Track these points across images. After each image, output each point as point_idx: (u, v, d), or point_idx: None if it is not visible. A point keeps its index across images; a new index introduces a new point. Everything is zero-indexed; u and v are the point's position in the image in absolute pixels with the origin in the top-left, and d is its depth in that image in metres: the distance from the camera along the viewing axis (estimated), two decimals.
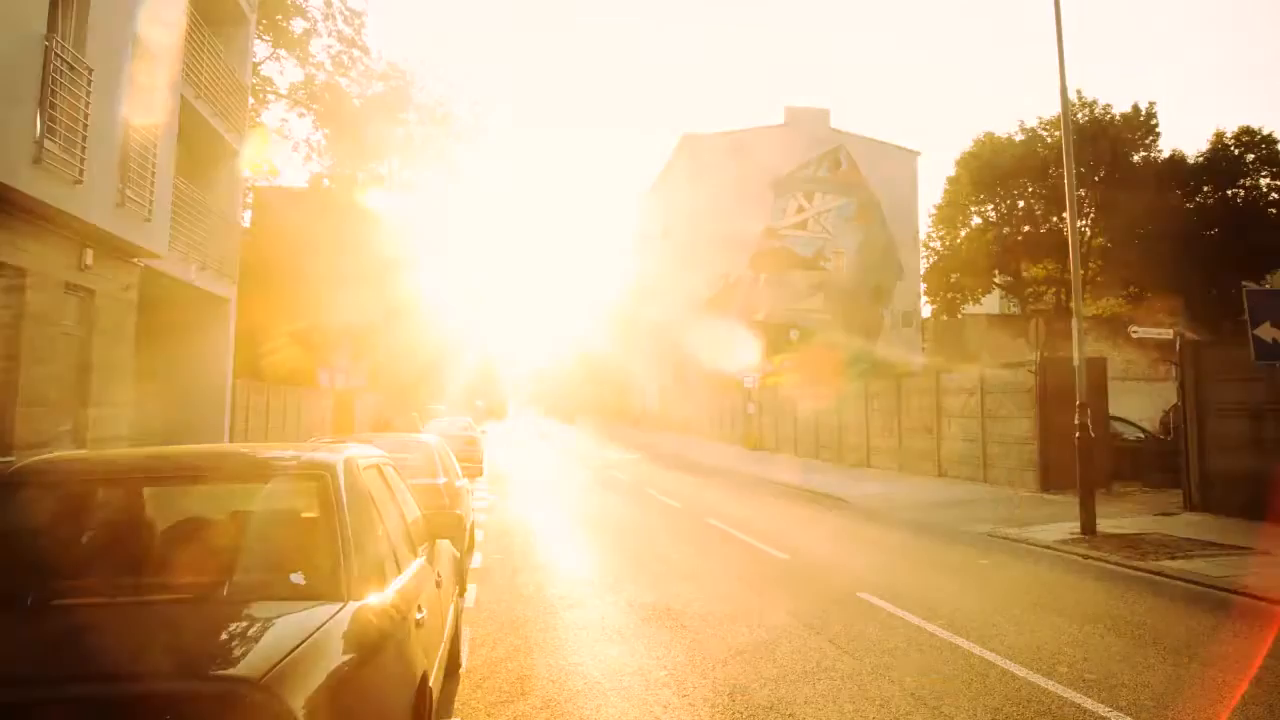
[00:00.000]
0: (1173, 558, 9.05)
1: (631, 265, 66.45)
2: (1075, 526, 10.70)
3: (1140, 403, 20.09)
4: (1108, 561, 9.27)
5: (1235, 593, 7.60)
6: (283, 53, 27.24)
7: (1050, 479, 14.68)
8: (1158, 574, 8.51)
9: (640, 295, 61.30)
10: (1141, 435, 17.45)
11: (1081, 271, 11.89)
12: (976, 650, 5.70)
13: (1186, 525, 11.08)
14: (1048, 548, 10.23)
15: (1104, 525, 10.67)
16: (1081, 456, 10.95)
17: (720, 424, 38.73)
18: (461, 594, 6.17)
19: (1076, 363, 11.50)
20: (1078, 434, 10.94)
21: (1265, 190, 36.47)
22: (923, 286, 46.36)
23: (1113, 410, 16.04)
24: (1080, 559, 9.58)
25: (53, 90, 8.87)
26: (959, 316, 43.65)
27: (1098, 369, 14.97)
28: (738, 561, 9.68)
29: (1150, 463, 15.29)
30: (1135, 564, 8.98)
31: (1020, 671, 5.23)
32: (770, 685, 5.21)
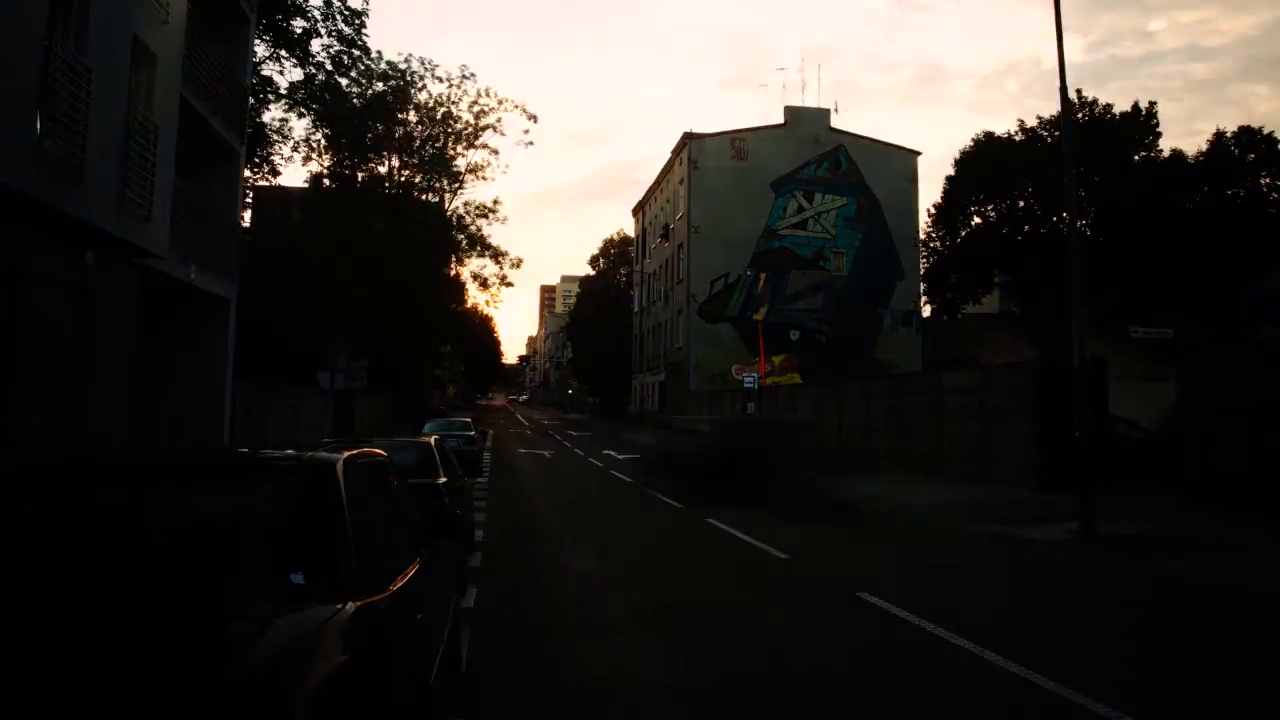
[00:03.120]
0: (1173, 557, 9.05)
1: (632, 265, 66.49)
2: (1075, 526, 10.69)
3: (1141, 402, 20.08)
4: (1108, 561, 9.27)
5: (1237, 591, 7.60)
6: (283, 53, 27.22)
7: (1051, 479, 14.65)
8: (1159, 573, 8.51)
9: (640, 295, 61.33)
10: (1142, 435, 17.44)
11: (1081, 271, 11.87)
12: (976, 650, 5.69)
13: (1187, 524, 11.07)
14: (1048, 548, 10.23)
15: (1104, 525, 10.64)
16: (1080, 456, 10.94)
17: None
18: (462, 594, 6.18)
19: (1076, 363, 11.50)
20: (1076, 433, 10.93)
21: (1265, 190, 36.43)
22: (923, 286, 46.34)
23: (1113, 410, 16.04)
24: (1080, 559, 9.58)
25: (52, 90, 8.87)
26: (959, 316, 43.62)
27: (1097, 369, 14.96)
28: (738, 562, 9.68)
29: (1151, 462, 15.26)
30: (1136, 563, 8.98)
31: (1020, 671, 5.22)
32: (769, 685, 5.21)
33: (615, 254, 76.33)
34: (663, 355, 52.35)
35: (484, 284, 47.38)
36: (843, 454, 20.78)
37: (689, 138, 47.42)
